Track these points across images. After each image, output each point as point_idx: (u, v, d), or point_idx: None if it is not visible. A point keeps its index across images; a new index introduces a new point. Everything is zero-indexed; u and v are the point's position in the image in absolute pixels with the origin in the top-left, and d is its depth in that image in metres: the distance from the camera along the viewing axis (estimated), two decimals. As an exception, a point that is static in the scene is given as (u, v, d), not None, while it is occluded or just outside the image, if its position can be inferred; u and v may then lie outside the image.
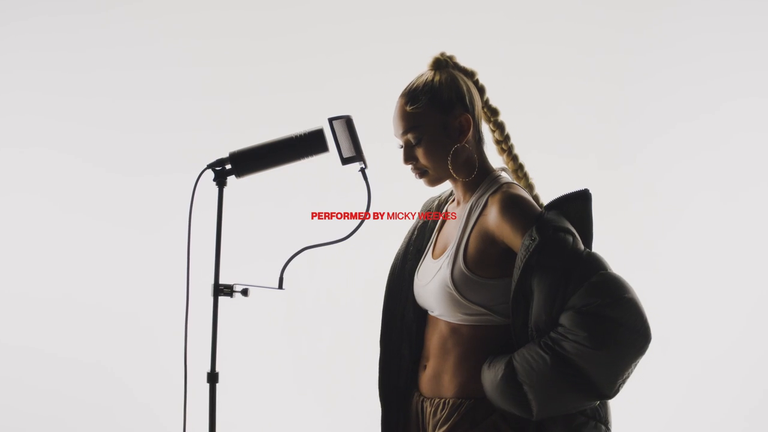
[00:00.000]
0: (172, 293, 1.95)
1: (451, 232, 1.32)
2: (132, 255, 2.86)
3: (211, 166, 1.35)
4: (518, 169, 1.35)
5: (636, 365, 1.10)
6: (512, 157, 1.35)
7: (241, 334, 2.61)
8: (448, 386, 1.27)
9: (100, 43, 2.92)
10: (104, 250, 2.87)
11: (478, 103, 1.32)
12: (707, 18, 2.84)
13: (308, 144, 1.33)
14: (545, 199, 1.35)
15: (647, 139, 2.84)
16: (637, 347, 1.09)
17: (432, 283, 1.28)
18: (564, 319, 1.09)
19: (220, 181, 1.35)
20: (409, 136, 1.29)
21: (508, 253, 1.20)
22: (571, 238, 1.13)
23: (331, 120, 1.31)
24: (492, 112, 1.35)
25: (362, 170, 1.33)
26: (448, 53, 1.33)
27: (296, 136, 1.33)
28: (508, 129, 1.35)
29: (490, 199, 1.25)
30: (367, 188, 1.32)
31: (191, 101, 2.89)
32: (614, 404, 1.23)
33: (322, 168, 1.82)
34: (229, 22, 2.94)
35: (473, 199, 1.30)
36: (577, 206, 1.20)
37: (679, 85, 2.83)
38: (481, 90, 1.34)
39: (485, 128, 1.37)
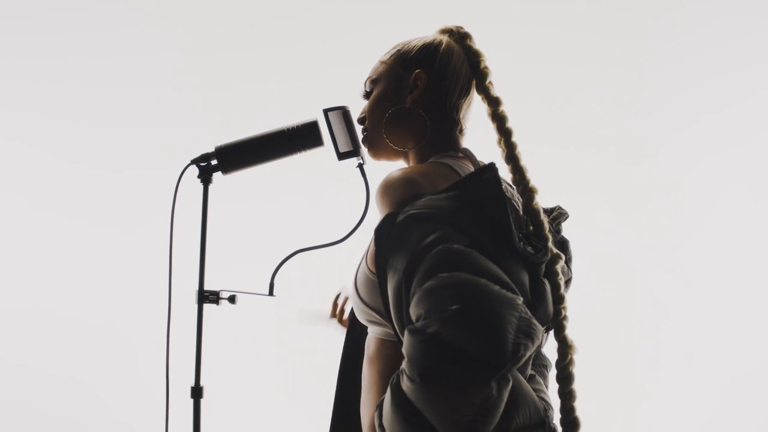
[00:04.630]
0: (152, 300, 1.94)
1: None
2: (109, 258, 2.86)
3: (195, 161, 1.35)
4: (516, 173, 1.14)
5: (490, 402, 0.85)
6: (510, 159, 1.15)
7: (227, 344, 2.60)
8: (364, 423, 1.12)
9: (74, 27, 2.92)
10: (79, 253, 2.87)
11: (457, 79, 1.21)
12: (736, 0, 2.83)
13: (301, 138, 1.33)
14: (567, 202, 1.33)
15: (671, 132, 2.84)
16: (470, 378, 0.83)
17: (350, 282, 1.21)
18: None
19: (205, 177, 1.35)
20: (366, 85, 1.26)
21: None
22: (428, 229, 0.93)
23: (326, 111, 1.30)
24: (491, 102, 1.19)
25: (360, 166, 1.33)
26: (466, 30, 1.26)
27: (288, 129, 1.33)
28: (511, 124, 1.18)
29: None
30: (366, 186, 1.32)
31: (174, 91, 2.88)
32: (633, 419, 1.20)
33: (317, 164, 1.81)
34: (216, 5, 2.94)
35: None
36: (487, 187, 1.00)
37: (705, 73, 2.83)
38: (482, 75, 1.22)
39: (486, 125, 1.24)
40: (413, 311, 0.89)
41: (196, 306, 1.32)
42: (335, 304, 1.55)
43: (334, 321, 1.61)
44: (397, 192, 1.02)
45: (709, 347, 2.77)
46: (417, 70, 1.20)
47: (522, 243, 1.03)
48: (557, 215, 1.28)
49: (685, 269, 2.80)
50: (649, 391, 2.75)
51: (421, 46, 1.22)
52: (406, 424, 0.88)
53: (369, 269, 1.11)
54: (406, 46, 1.24)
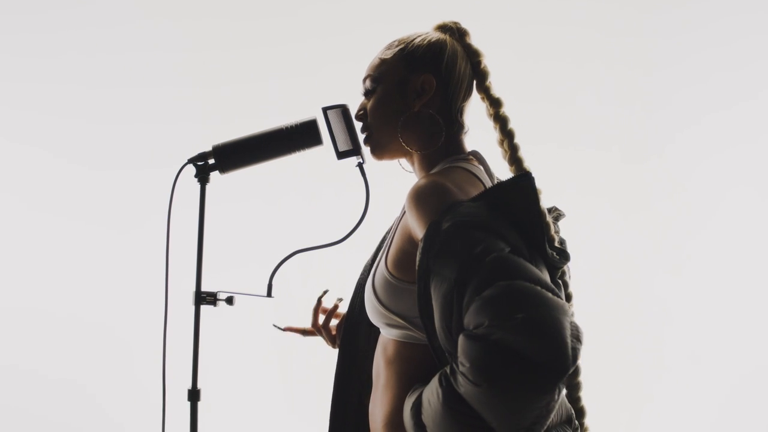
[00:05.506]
0: (149, 301, 1.94)
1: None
2: (106, 258, 2.86)
3: (192, 160, 1.34)
4: None
5: (551, 406, 0.89)
6: (513, 160, 1.18)
7: (225, 346, 2.60)
8: (377, 420, 1.17)
9: (69, 24, 2.92)
10: (75, 253, 2.86)
11: (462, 83, 1.23)
12: (743, -4, 2.83)
13: (300, 136, 1.32)
14: (567, 204, 1.33)
15: (676, 131, 2.83)
16: (537, 384, 0.86)
17: (366, 285, 1.22)
18: (459, 343, 0.92)
19: (203, 177, 1.34)
20: (367, 83, 1.25)
21: None
22: (476, 237, 0.95)
23: (325, 110, 1.30)
24: (493, 103, 1.21)
25: (360, 165, 1.32)
26: (463, 26, 1.27)
27: (286, 128, 1.33)
28: (513, 125, 1.20)
29: None
30: (366, 185, 1.31)
31: (171, 89, 2.88)
32: (637, 421, 1.21)
33: (316, 163, 1.81)
34: (214, 1, 2.94)
35: None
36: (520, 195, 1.03)
37: (710, 71, 2.82)
38: (482, 75, 1.24)
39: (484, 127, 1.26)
40: (472, 318, 0.90)
41: (193, 307, 1.32)
42: (317, 309, 1.54)
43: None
44: (432, 199, 1.04)
45: (714, 348, 2.76)
46: (424, 75, 1.20)
47: (550, 250, 1.07)
48: (557, 216, 1.31)
49: (690, 269, 2.80)
50: (654, 393, 2.75)
51: (426, 47, 1.22)
52: (460, 425, 0.92)
53: (391, 273, 1.13)
54: (409, 46, 1.23)
